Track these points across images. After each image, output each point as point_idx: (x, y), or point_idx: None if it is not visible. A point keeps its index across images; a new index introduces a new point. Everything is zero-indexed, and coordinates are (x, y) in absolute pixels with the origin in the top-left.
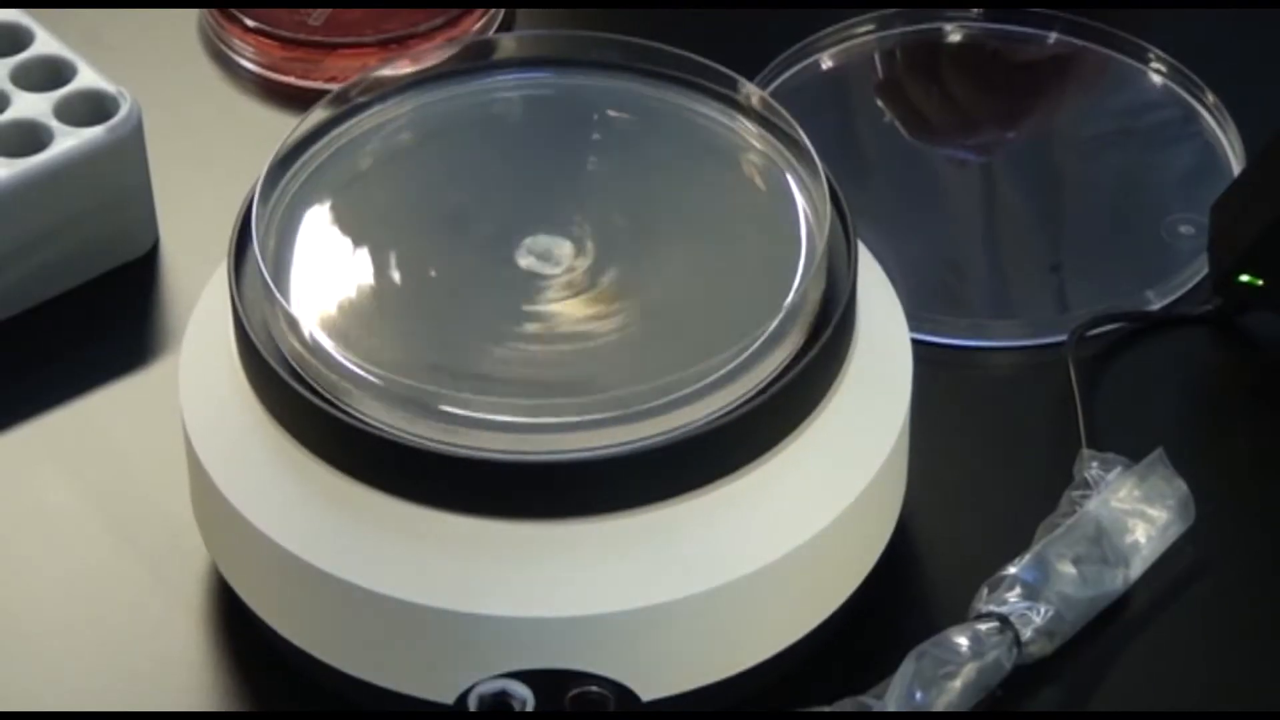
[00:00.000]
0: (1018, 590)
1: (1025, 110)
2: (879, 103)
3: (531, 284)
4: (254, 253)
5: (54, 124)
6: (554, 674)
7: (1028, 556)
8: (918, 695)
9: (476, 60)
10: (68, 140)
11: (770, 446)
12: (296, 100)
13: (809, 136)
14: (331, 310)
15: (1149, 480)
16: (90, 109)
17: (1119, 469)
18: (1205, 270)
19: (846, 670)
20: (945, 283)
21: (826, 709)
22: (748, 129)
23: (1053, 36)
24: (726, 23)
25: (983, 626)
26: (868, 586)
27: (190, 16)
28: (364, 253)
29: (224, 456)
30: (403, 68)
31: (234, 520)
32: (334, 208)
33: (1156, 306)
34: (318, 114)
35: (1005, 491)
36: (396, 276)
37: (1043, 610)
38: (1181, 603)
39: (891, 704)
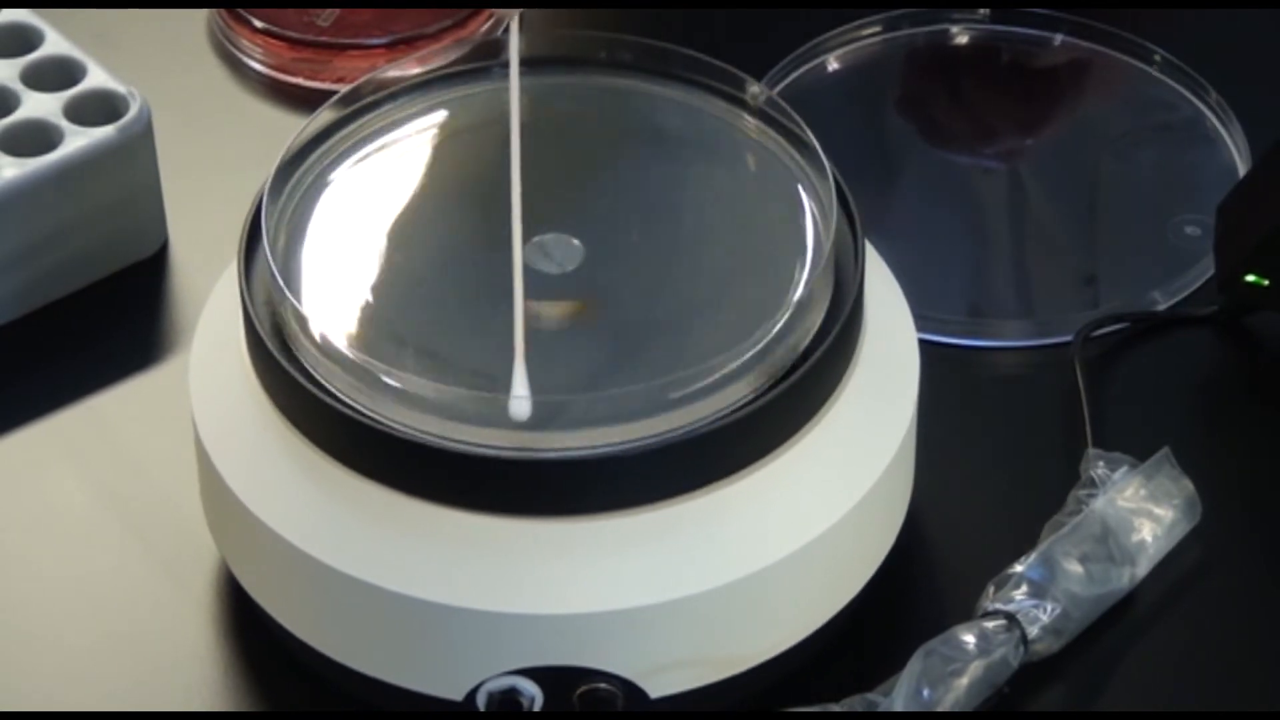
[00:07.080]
0: (1024, 588)
1: (1043, 117)
2: (899, 116)
3: (539, 283)
4: (263, 251)
5: (64, 124)
6: (562, 671)
7: (1034, 555)
8: (925, 693)
9: (485, 61)
10: (78, 140)
11: (779, 444)
12: (305, 101)
13: (816, 136)
14: (341, 308)
15: (1155, 479)
16: (100, 109)
17: (1125, 468)
18: (1211, 271)
19: (853, 668)
20: (949, 282)
21: (834, 707)
22: (755, 128)
23: (1059, 38)
24: (734, 23)
25: (989, 624)
26: (875, 584)
27: (199, 17)
28: (373, 251)
29: (234, 454)
30: (411, 68)
31: (244, 518)
32: (342, 207)
33: (1162, 307)
34: (326, 114)
35: (1011, 490)
36: (405, 275)
37: (1049, 608)
38: (1187, 601)
39: (898, 702)
